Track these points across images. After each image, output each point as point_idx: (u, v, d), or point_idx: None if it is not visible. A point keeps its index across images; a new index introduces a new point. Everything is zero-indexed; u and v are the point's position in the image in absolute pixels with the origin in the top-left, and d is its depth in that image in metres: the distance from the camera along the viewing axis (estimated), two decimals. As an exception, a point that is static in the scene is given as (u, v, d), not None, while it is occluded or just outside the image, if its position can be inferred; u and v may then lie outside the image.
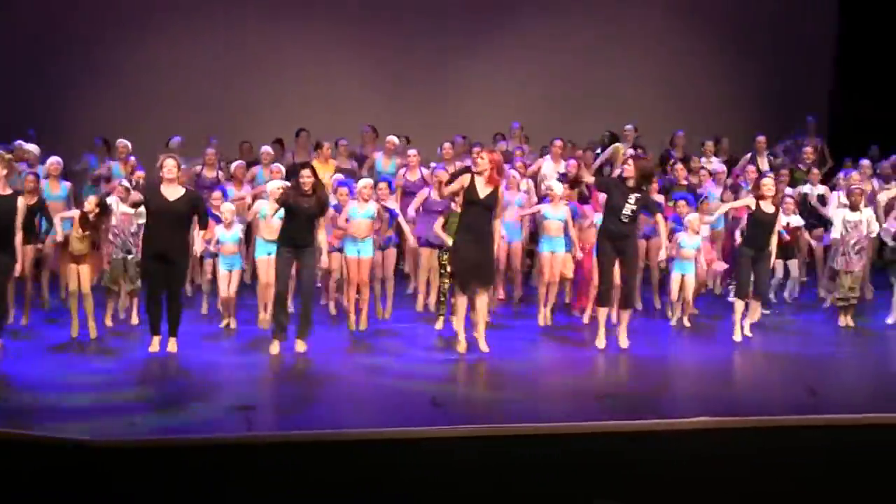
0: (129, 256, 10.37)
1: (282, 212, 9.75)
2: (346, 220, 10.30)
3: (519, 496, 7.23)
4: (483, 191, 9.29)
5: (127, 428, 7.36)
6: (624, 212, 9.57)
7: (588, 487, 7.30)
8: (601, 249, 9.78)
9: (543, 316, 10.82)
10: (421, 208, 11.37)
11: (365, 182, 10.47)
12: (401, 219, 10.83)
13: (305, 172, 9.51)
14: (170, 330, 9.52)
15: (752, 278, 10.26)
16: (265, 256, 10.33)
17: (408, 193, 12.50)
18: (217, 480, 7.04)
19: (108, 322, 10.46)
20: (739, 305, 10.26)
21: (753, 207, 10.19)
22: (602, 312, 9.91)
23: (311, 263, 9.62)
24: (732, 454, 7.55)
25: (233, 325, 10.58)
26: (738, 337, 10.21)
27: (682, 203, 11.11)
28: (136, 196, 9.73)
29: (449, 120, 15.44)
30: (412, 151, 12.71)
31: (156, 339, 9.55)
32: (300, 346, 9.58)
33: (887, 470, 7.53)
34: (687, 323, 10.95)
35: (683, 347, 10.35)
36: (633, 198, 9.59)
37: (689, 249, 10.78)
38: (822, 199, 12.46)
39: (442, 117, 15.65)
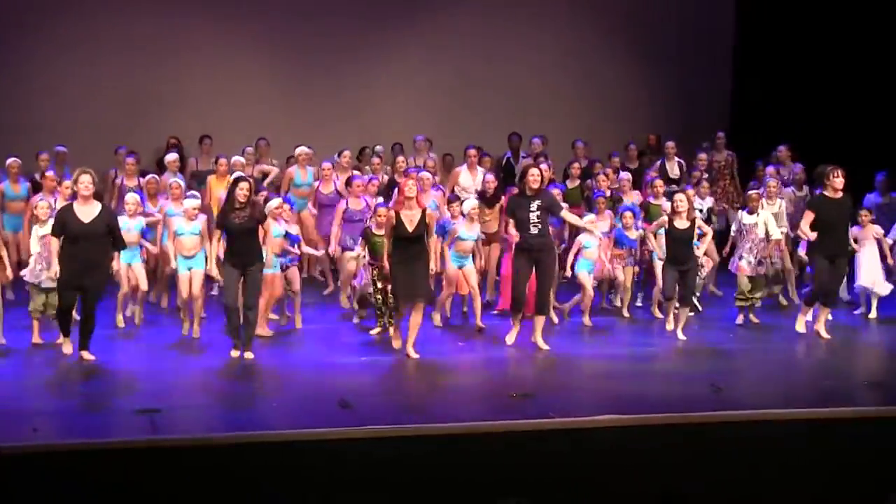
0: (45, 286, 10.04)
1: (197, 227, 10.20)
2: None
3: (428, 496, 7.24)
4: (411, 223, 9.50)
5: (28, 434, 7.21)
6: (531, 221, 9.78)
7: (497, 486, 7.34)
8: (517, 261, 10.03)
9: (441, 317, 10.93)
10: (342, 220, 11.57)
11: (277, 202, 10.43)
12: (304, 246, 10.87)
13: (244, 185, 9.54)
14: (82, 344, 9.37)
15: (676, 285, 10.45)
16: (185, 272, 10.32)
17: (323, 206, 12.51)
18: (122, 485, 6.95)
19: (37, 340, 10.05)
20: (670, 305, 10.61)
21: (667, 225, 10.45)
22: (516, 316, 10.15)
23: (257, 277, 9.59)
24: (638, 451, 7.64)
25: (195, 329, 10.39)
26: (670, 327, 10.58)
27: (627, 215, 11.33)
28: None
29: (354, 124, 15.34)
30: (326, 164, 12.71)
31: (67, 340, 9.48)
32: (247, 355, 9.56)
33: (791, 464, 7.70)
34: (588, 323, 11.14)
35: (596, 346, 10.50)
36: (534, 205, 9.80)
37: (592, 249, 11.01)
38: (710, 212, 12.49)
39: (346, 121, 15.46)
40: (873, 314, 11.45)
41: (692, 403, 8.25)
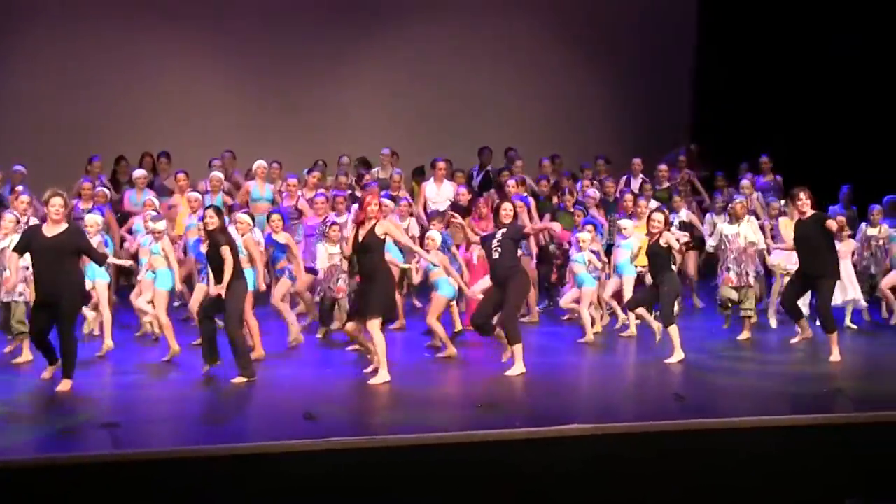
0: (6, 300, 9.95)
1: (157, 247, 10.13)
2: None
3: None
4: (361, 234, 9.27)
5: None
6: (493, 247, 9.74)
7: (463, 497, 7.34)
8: (487, 290, 10.03)
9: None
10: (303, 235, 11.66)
11: (241, 217, 10.29)
12: (294, 249, 10.82)
13: (209, 213, 9.42)
14: (64, 371, 8.98)
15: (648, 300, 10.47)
16: (149, 280, 10.33)
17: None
18: (82, 500, 6.87)
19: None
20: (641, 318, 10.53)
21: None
22: (484, 335, 9.96)
23: (231, 301, 9.26)
24: (605, 461, 7.65)
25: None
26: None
27: (588, 228, 11.35)
28: None
29: (321, 137, 15.39)
30: (291, 179, 12.66)
31: (50, 369, 9.19)
32: (238, 380, 9.21)
33: (752, 471, 7.74)
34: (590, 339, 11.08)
35: (573, 357, 10.55)
36: (499, 234, 9.78)
37: (580, 264, 11.12)
38: (682, 225, 12.54)
39: (313, 135, 15.53)
40: (849, 323, 11.61)
41: (658, 413, 8.27)
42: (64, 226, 9.08)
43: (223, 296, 9.21)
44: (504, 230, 9.77)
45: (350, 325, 9.42)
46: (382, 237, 9.26)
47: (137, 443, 7.43)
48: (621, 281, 11.37)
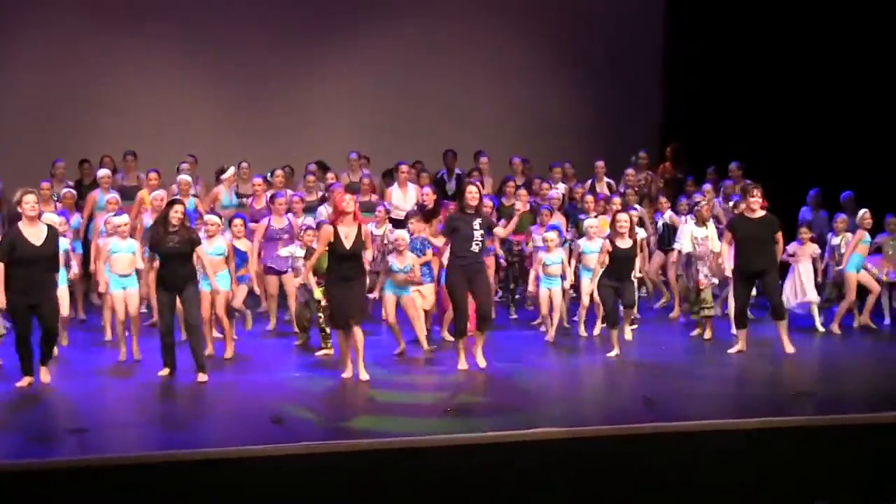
0: None
1: (132, 246, 10.10)
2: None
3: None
4: (347, 239, 9.29)
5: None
6: (475, 239, 9.71)
7: (430, 502, 7.34)
8: (453, 282, 9.85)
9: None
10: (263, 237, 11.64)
11: (210, 219, 10.31)
12: (253, 257, 11.00)
13: (179, 208, 9.39)
14: (41, 359, 9.11)
15: (617, 303, 10.44)
16: (119, 291, 10.13)
17: (256, 222, 12.43)
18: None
19: None
20: (625, 326, 10.55)
21: (611, 248, 10.37)
22: (460, 341, 9.91)
23: (193, 300, 9.38)
24: (572, 463, 7.67)
25: (134, 350, 10.18)
26: (615, 352, 10.39)
27: (554, 233, 11.28)
28: None
29: (289, 141, 15.36)
30: (257, 179, 12.65)
31: (27, 379, 9.10)
32: (201, 377, 9.31)
33: (722, 473, 7.80)
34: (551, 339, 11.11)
35: (542, 361, 10.53)
36: (477, 223, 9.77)
37: (554, 266, 11.07)
38: (665, 227, 12.74)
39: (281, 138, 15.47)
40: (819, 326, 11.73)
41: (626, 415, 8.33)
42: (45, 229, 9.10)
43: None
44: (481, 220, 9.80)
45: (342, 339, 9.45)
46: (364, 240, 9.42)
47: (106, 448, 7.40)
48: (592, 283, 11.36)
